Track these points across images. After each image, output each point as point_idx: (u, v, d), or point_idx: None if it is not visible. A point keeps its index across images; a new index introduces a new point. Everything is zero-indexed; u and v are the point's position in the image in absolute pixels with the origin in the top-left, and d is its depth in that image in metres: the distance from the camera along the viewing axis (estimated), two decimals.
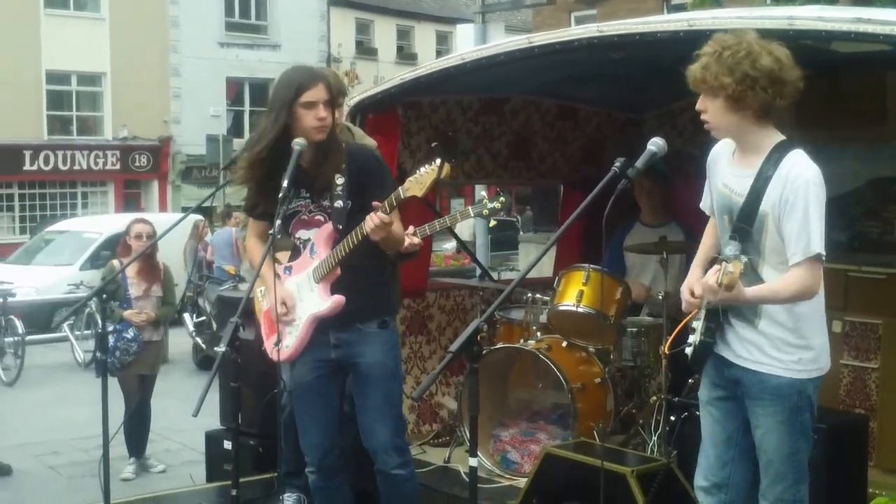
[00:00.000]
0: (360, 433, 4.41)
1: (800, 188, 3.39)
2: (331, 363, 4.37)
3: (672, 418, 5.40)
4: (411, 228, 4.47)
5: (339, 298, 4.22)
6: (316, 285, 4.28)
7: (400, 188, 4.07)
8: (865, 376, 6.26)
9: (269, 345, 4.51)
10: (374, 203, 4.06)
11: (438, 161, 4.05)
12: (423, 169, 4.08)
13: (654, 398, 5.89)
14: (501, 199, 4.30)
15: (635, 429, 6.12)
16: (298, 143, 4.15)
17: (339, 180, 4.27)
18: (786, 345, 3.51)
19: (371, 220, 4.02)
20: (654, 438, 5.74)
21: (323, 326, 4.31)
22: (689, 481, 4.82)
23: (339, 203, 4.27)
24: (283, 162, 4.14)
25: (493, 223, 4.69)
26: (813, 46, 5.09)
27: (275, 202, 4.10)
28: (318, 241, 4.30)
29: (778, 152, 3.47)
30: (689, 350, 3.68)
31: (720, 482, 3.74)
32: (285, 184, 4.08)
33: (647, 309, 6.65)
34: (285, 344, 4.33)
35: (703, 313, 3.59)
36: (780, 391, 3.52)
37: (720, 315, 3.58)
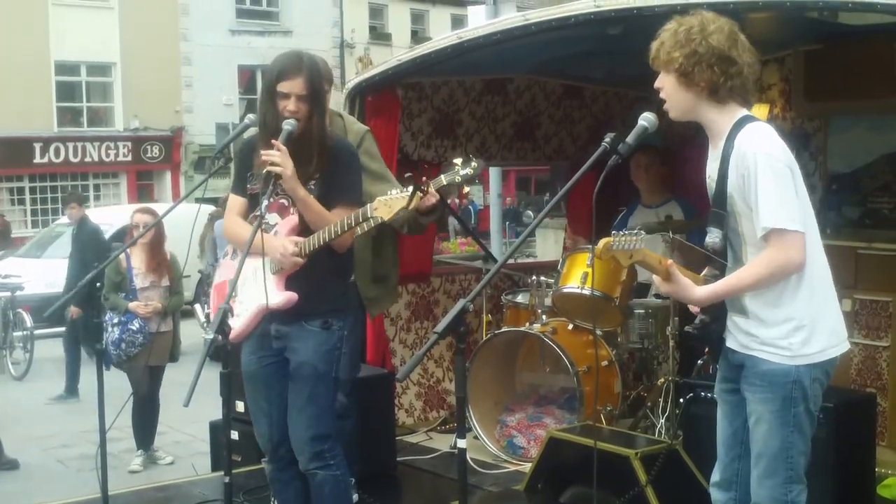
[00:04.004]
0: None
1: (749, 163, 3.26)
2: (274, 353, 4.29)
3: (680, 400, 5.32)
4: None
5: (292, 295, 4.16)
6: (272, 275, 4.20)
7: (368, 206, 4.00)
8: (876, 355, 6.17)
9: (214, 317, 4.33)
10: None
11: (410, 189, 3.96)
12: (394, 192, 4.00)
13: (662, 380, 5.80)
14: (473, 164, 4.21)
15: (644, 411, 6.05)
16: (290, 123, 4.08)
17: (314, 177, 4.21)
18: (775, 326, 3.35)
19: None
20: (662, 421, 5.66)
21: (269, 317, 4.23)
22: (695, 463, 4.77)
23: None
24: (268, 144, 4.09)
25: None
26: (821, 19, 5.00)
27: (258, 180, 4.14)
28: (283, 231, 4.22)
29: (736, 129, 3.37)
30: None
31: (730, 478, 3.62)
32: None
33: (654, 290, 6.55)
34: (234, 326, 4.26)
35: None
36: (771, 377, 3.36)
37: (718, 307, 3.48)
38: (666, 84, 3.43)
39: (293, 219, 4.20)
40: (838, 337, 3.42)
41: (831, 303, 3.43)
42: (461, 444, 3.22)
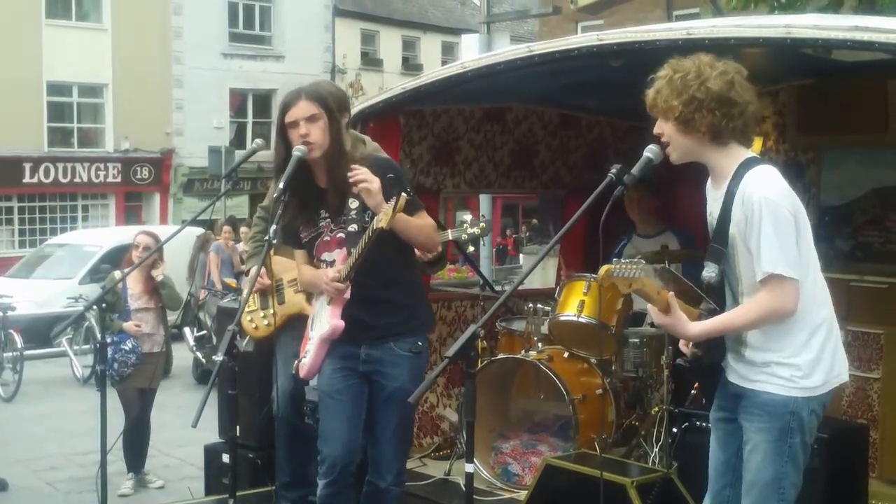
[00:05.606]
0: (369, 441, 4.45)
1: (754, 206, 3.31)
2: (358, 375, 4.40)
3: (674, 429, 5.35)
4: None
5: (337, 324, 4.25)
6: (327, 307, 4.30)
7: (375, 218, 4.07)
8: (867, 386, 6.22)
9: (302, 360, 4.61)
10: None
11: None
12: (388, 204, 4.07)
13: (656, 409, 5.84)
14: (482, 224, 4.30)
15: (637, 440, 6.08)
16: (299, 149, 4.14)
17: (353, 204, 4.28)
18: (777, 365, 3.41)
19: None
20: (656, 450, 5.69)
21: (356, 340, 4.34)
22: (689, 492, 4.79)
23: (353, 227, 4.29)
24: (303, 184, 4.21)
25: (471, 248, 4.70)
26: (814, 55, 5.07)
27: (307, 225, 4.28)
28: (339, 263, 4.32)
29: (743, 170, 3.42)
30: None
31: None
32: (281, 185, 4.07)
33: (649, 319, 6.60)
34: (304, 361, 4.44)
35: None
36: (771, 407, 3.40)
37: (710, 342, 3.52)
38: (666, 130, 3.49)
39: (345, 251, 4.28)
40: (838, 368, 3.48)
41: (833, 339, 3.48)
42: (468, 468, 3.26)
